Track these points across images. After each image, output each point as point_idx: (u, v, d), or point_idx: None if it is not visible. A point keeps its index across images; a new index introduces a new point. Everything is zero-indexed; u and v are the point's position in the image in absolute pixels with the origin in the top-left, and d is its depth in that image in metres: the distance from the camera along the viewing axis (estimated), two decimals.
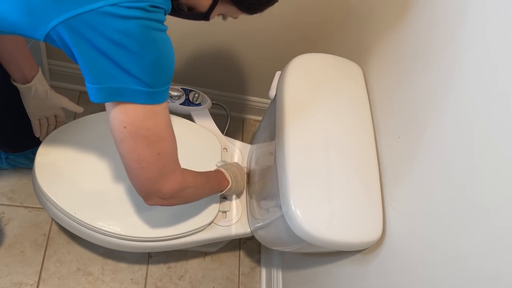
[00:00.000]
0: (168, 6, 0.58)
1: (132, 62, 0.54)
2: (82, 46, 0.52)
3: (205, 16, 0.66)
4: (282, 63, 0.98)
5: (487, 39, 0.60)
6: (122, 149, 0.62)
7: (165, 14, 0.58)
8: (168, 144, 0.65)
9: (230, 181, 0.95)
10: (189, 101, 1.18)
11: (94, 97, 0.57)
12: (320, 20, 1.15)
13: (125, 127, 0.59)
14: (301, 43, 1.23)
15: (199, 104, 1.18)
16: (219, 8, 0.65)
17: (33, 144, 1.08)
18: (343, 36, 1.12)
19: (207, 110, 1.20)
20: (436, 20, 0.73)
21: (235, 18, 0.69)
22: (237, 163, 1.08)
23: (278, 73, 0.96)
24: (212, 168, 1.07)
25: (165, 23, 0.60)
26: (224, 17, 0.70)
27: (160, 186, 0.68)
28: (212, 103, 1.23)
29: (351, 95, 0.90)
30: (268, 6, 0.66)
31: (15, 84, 0.88)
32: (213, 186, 0.90)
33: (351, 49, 1.05)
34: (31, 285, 1.14)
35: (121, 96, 0.56)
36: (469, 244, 0.57)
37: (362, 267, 0.81)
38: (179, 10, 0.65)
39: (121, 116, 0.58)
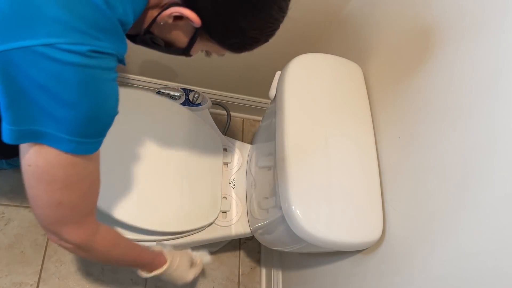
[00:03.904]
0: (121, 49, 0.51)
1: (60, 109, 0.47)
2: (6, 83, 0.45)
3: (184, 52, 0.61)
4: (282, 63, 0.98)
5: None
6: (23, 179, 0.54)
7: (118, 59, 0.51)
8: (78, 197, 0.56)
9: (163, 268, 0.81)
10: (189, 101, 1.18)
11: (8, 138, 0.48)
12: (320, 20, 1.15)
13: (29, 166, 0.51)
14: (301, 43, 1.23)
15: (199, 104, 1.19)
16: (199, 45, 0.59)
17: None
18: (343, 36, 1.12)
19: (207, 110, 1.20)
20: (435, 21, 0.73)
21: (222, 55, 0.63)
22: (187, 253, 0.91)
23: (278, 73, 0.97)
24: (209, 167, 1.07)
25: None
26: (208, 53, 0.64)
27: (57, 230, 0.59)
28: (212, 103, 1.23)
29: (351, 95, 0.90)
30: (256, 46, 0.61)
31: None
32: (138, 265, 0.79)
33: (351, 49, 1.05)
34: (31, 285, 1.14)
35: (40, 139, 0.48)
36: (469, 244, 0.57)
37: (362, 267, 0.81)
38: (154, 45, 0.60)
39: (30, 154, 0.50)
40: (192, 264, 0.91)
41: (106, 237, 0.66)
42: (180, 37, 0.58)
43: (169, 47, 0.61)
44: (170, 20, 0.54)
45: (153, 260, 0.80)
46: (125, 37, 0.52)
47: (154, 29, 0.57)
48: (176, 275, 0.85)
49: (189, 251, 0.93)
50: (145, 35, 0.58)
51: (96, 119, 0.50)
